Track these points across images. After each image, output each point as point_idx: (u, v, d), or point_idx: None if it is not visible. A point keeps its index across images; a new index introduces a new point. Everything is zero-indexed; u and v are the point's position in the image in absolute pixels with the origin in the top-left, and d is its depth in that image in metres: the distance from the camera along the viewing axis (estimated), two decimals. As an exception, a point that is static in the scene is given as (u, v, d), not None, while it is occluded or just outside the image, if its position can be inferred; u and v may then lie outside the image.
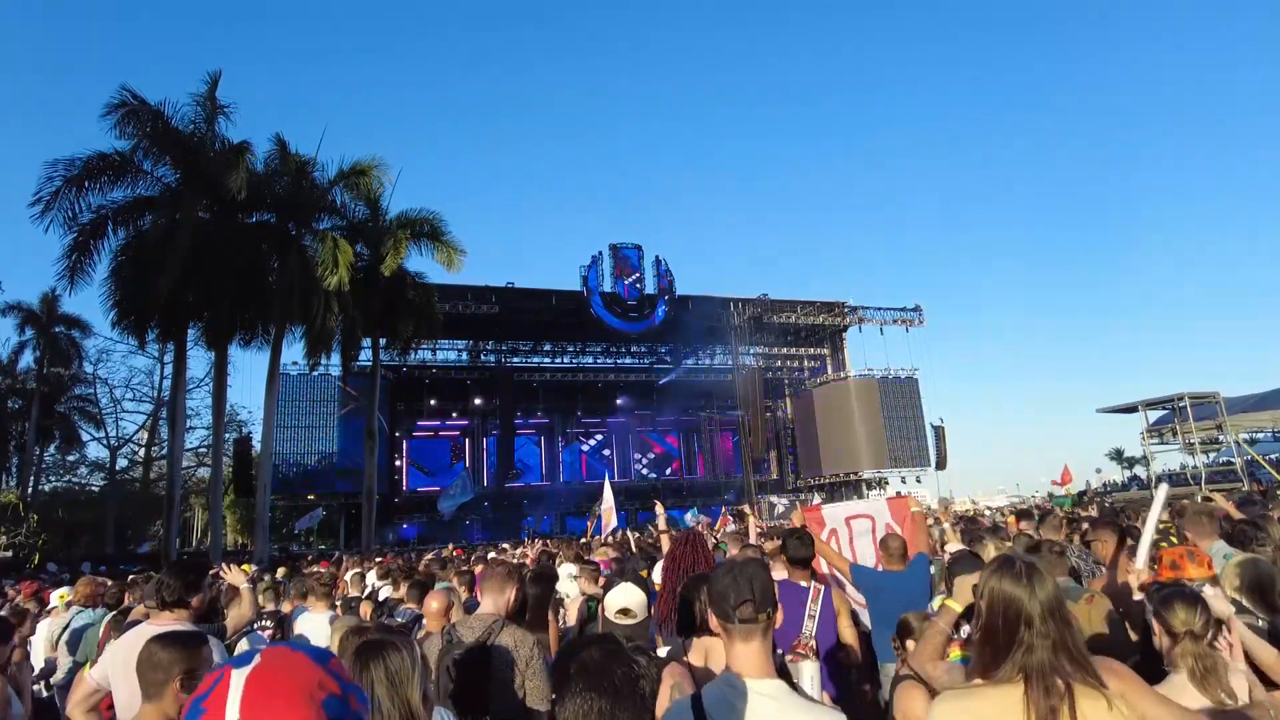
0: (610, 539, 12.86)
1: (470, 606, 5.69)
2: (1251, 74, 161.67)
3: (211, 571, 5.74)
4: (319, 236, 23.01)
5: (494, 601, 2.84)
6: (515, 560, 9.51)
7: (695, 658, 2.66)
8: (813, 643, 3.36)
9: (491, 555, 11.31)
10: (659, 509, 10.51)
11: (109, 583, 6.91)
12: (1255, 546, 4.02)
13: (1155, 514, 3.52)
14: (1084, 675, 1.60)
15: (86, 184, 20.16)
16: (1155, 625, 2.38)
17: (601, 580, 5.45)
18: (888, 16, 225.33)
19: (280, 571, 10.96)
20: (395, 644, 1.67)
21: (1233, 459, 21.17)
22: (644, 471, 43.74)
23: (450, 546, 18.04)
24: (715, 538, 10.40)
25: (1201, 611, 2.29)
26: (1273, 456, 22.76)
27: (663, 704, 2.31)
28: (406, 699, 1.59)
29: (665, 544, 4.76)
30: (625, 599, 2.52)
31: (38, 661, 5.70)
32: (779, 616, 1.83)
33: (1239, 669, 2.28)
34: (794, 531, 4.26)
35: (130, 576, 7.43)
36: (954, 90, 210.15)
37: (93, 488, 38.39)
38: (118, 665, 2.97)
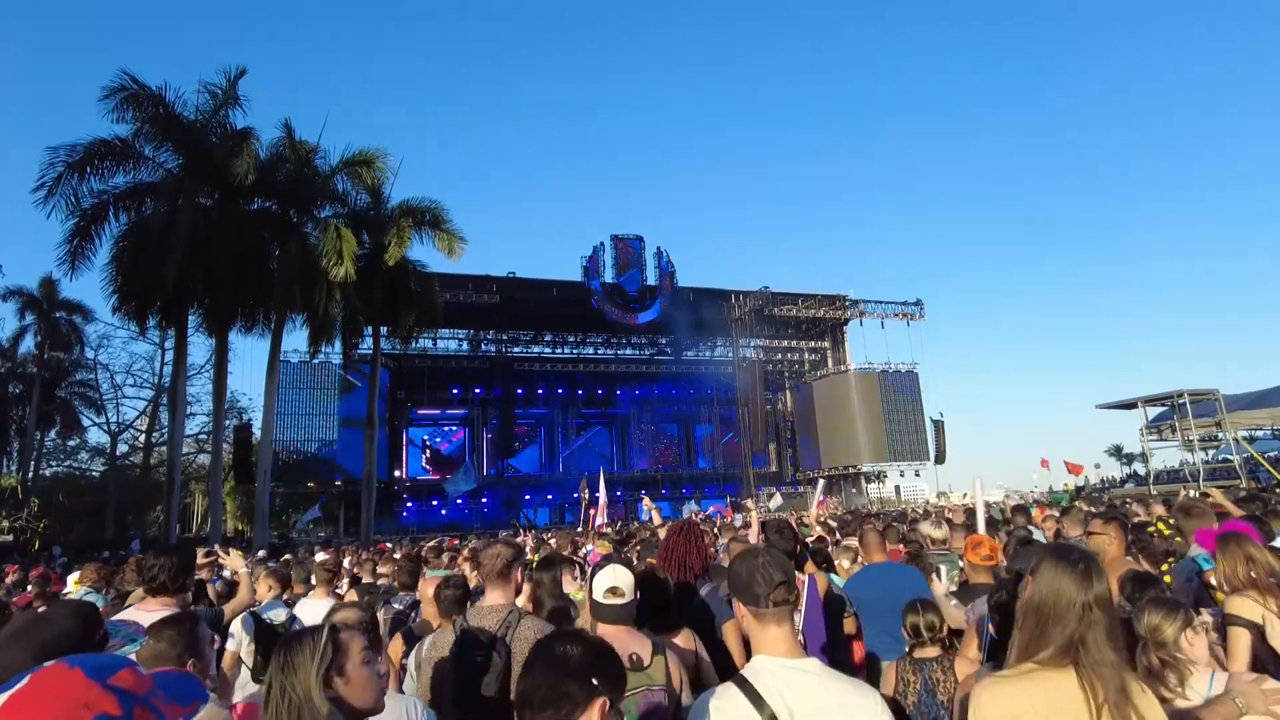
0: (609, 529, 12.91)
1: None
2: (1252, 72, 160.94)
3: (206, 551, 5.77)
4: (320, 224, 22.95)
5: (503, 591, 2.78)
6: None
7: (682, 643, 2.70)
8: (800, 638, 3.36)
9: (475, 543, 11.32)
10: (646, 502, 10.55)
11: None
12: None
13: (980, 503, 4.57)
14: (1129, 669, 1.64)
15: (88, 169, 20.13)
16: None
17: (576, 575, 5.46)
18: (891, 11, 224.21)
19: (285, 557, 11.03)
20: (305, 636, 1.70)
21: (1231, 456, 21.19)
22: (643, 463, 43.80)
23: (443, 539, 18.07)
24: (715, 530, 10.42)
25: (1170, 618, 2.30)
26: (1271, 454, 22.76)
27: (675, 675, 2.36)
28: (303, 684, 1.62)
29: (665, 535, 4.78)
30: (613, 578, 2.50)
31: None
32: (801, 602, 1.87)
33: (1202, 666, 2.29)
34: (775, 523, 4.26)
35: (139, 559, 7.46)
36: (956, 85, 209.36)
37: (93, 473, 38.47)
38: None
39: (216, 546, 5.10)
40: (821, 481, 8.89)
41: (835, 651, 3.90)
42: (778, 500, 29.34)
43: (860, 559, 5.88)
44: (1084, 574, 1.68)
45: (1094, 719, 1.58)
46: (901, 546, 6.23)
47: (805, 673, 1.74)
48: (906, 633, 3.09)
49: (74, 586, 6.18)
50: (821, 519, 12.97)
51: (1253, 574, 2.98)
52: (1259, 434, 26.36)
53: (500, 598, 2.76)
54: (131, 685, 0.93)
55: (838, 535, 8.51)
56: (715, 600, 3.24)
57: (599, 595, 2.51)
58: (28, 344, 33.35)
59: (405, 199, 26.04)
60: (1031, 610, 1.71)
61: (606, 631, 2.50)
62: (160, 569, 3.19)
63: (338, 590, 6.32)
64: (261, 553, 11.85)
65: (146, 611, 3.08)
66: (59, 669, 0.92)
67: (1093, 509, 10.24)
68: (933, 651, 2.98)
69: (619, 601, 2.49)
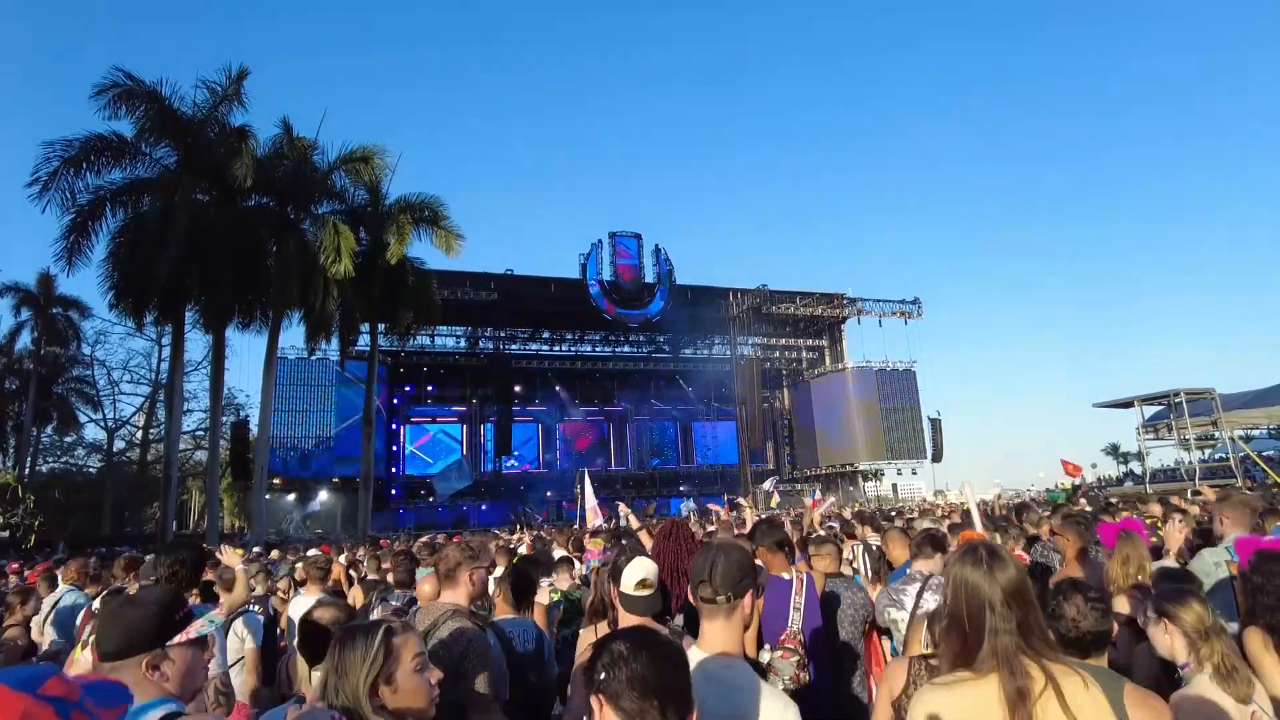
0: (606, 526, 12.89)
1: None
2: (1251, 73, 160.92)
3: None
4: (318, 221, 22.90)
5: (451, 592, 2.83)
6: (511, 545, 9.53)
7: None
8: (800, 636, 3.36)
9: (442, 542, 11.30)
10: (622, 508, 10.55)
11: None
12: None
13: (974, 505, 4.84)
14: (1054, 653, 1.61)
15: (84, 165, 20.03)
16: (1165, 625, 2.32)
17: (576, 574, 5.47)
18: (890, 9, 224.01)
19: (273, 554, 11.01)
20: (358, 636, 1.68)
21: (1227, 455, 21.20)
22: (641, 460, 43.79)
23: (436, 536, 18.02)
24: (710, 526, 10.42)
25: (1182, 604, 2.29)
26: (1267, 453, 22.78)
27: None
28: (352, 689, 1.62)
29: (645, 540, 4.78)
30: (643, 570, 2.55)
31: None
32: (746, 602, 1.86)
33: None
34: (763, 520, 4.28)
35: (128, 557, 7.44)
36: (955, 85, 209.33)
37: (90, 469, 38.40)
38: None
39: (222, 546, 5.12)
40: (819, 487, 9.04)
41: (833, 651, 3.90)
42: (776, 498, 29.34)
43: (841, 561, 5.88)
44: (989, 567, 1.66)
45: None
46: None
47: (722, 671, 1.77)
48: (935, 637, 2.96)
49: (61, 583, 6.15)
50: (833, 515, 12.99)
51: (1139, 577, 3.15)
52: (1255, 433, 26.39)
53: (448, 597, 2.83)
54: (64, 693, 0.90)
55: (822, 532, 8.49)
56: None
57: (629, 588, 2.53)
58: (24, 340, 33.38)
59: (403, 195, 26.01)
60: (951, 617, 1.71)
61: (631, 623, 2.54)
62: (184, 563, 3.21)
63: (330, 587, 6.30)
64: (256, 549, 11.84)
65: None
66: None
67: (1090, 508, 10.27)
68: None
69: (648, 593, 2.53)
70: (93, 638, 1.80)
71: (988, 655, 1.62)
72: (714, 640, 1.86)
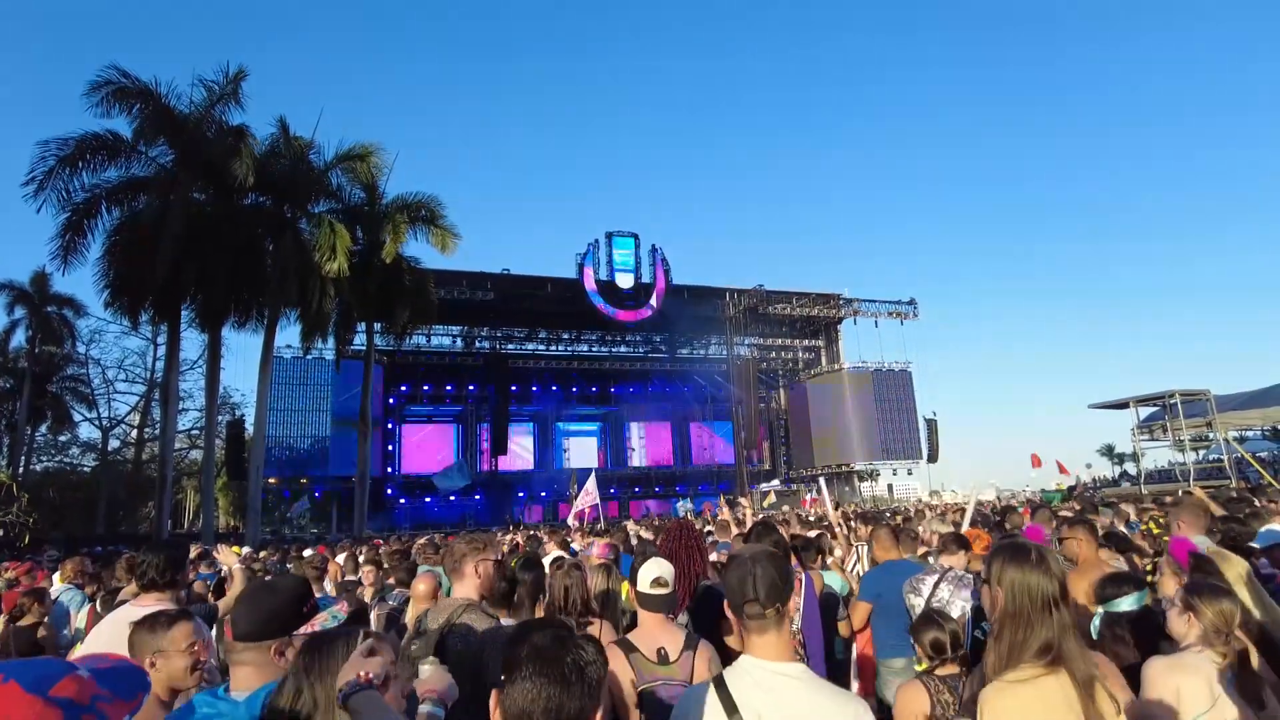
0: (604, 525, 12.89)
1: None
2: (1250, 75, 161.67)
3: (197, 552, 5.75)
4: (315, 220, 22.85)
5: (460, 585, 2.84)
6: (507, 546, 9.53)
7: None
8: (800, 636, 3.37)
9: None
10: (630, 526, 10.68)
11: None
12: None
13: (973, 505, 5.15)
14: (1094, 664, 1.73)
15: (80, 164, 19.93)
16: (1189, 617, 2.36)
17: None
18: (887, 11, 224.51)
19: (264, 554, 11.00)
20: (339, 640, 1.67)
21: (1221, 456, 21.27)
22: (637, 460, 43.79)
23: (433, 536, 18.00)
24: (709, 523, 10.44)
25: (1211, 600, 2.33)
26: (1262, 454, 22.89)
27: (701, 671, 2.42)
28: (324, 697, 1.58)
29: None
30: (657, 569, 2.60)
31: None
32: (792, 604, 1.84)
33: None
34: (759, 522, 4.29)
35: (129, 558, 7.43)
36: (952, 86, 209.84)
37: (84, 468, 38.26)
38: (102, 644, 2.97)
39: (219, 546, 5.13)
40: (821, 480, 9.09)
41: (832, 652, 3.92)
42: (772, 498, 29.39)
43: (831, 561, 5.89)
44: (1045, 565, 1.73)
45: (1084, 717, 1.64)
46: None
47: (786, 678, 1.72)
48: (926, 651, 2.84)
49: (58, 582, 6.15)
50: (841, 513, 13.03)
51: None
52: (1249, 434, 26.52)
53: (459, 592, 2.86)
54: (75, 694, 0.89)
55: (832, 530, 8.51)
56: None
57: (645, 586, 2.58)
58: (19, 338, 33.23)
59: (400, 194, 25.97)
60: (1008, 618, 1.74)
61: (647, 620, 2.58)
62: (150, 566, 3.22)
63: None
64: (247, 550, 11.82)
65: (141, 607, 3.08)
66: None
67: (1083, 509, 10.30)
68: (954, 669, 2.76)
69: (663, 592, 2.58)
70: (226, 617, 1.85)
71: (1054, 649, 1.68)
72: (776, 649, 1.79)
